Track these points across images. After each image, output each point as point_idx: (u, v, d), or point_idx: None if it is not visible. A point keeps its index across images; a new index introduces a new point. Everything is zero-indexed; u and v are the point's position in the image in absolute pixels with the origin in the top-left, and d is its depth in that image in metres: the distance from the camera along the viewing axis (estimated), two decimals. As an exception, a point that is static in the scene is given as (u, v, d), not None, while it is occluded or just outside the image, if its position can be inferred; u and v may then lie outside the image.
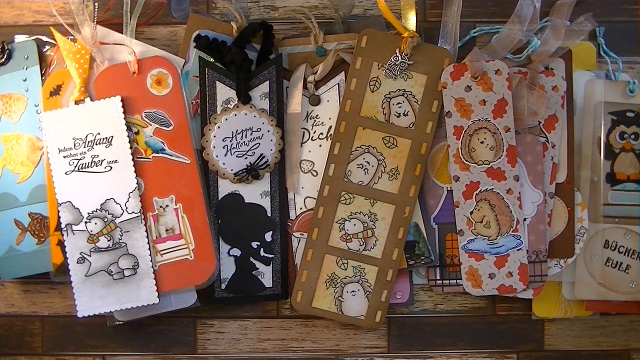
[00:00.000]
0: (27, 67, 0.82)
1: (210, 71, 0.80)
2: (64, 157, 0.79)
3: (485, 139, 0.80)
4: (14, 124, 0.82)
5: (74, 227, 0.79)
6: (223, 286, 0.81)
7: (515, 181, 0.80)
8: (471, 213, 0.81)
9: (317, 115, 0.82)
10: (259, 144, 0.80)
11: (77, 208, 0.79)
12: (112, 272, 0.79)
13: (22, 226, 0.81)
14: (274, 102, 0.81)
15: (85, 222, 0.79)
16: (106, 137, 0.79)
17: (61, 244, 0.79)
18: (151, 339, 0.84)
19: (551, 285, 0.83)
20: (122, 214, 0.79)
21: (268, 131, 0.80)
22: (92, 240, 0.79)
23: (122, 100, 0.79)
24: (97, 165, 0.79)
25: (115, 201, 0.79)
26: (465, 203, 0.81)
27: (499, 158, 0.80)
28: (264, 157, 0.80)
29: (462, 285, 0.82)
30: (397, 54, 0.80)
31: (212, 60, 0.80)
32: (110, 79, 0.80)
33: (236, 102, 0.80)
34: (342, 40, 0.81)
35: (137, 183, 0.79)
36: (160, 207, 0.80)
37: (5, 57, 0.82)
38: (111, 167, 0.79)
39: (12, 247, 0.81)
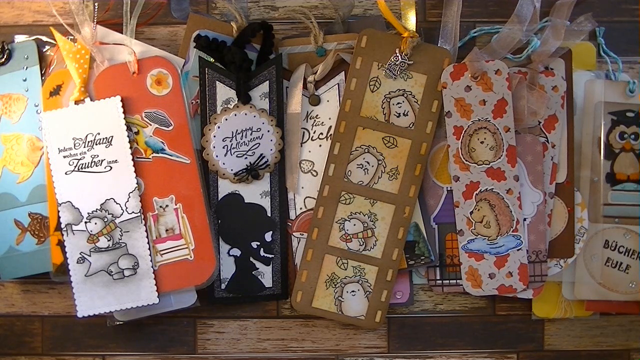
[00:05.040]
0: (27, 67, 0.82)
1: (210, 71, 0.80)
2: (64, 157, 0.79)
3: (485, 139, 0.80)
4: (14, 124, 0.82)
5: (74, 227, 0.79)
6: (223, 286, 0.81)
7: (515, 181, 0.80)
8: (471, 213, 0.81)
9: (317, 115, 0.82)
10: (259, 144, 0.80)
11: (77, 208, 0.79)
12: (112, 272, 0.79)
13: (22, 226, 0.81)
14: (274, 102, 0.81)
15: (85, 222, 0.79)
16: (106, 137, 0.79)
17: (61, 244, 0.79)
18: (151, 339, 0.84)
19: (551, 285, 0.83)
20: (122, 214, 0.79)
21: (268, 131, 0.80)
22: (92, 240, 0.79)
23: (122, 100, 0.79)
24: (97, 165, 0.79)
25: (115, 201, 0.79)
26: (465, 203, 0.81)
27: (499, 158, 0.80)
28: (264, 157, 0.80)
29: (462, 285, 0.82)
30: (397, 54, 0.80)
31: (212, 60, 0.80)
32: (110, 79, 0.80)
33: (236, 102, 0.80)
34: (342, 40, 0.81)
35: (137, 183, 0.79)
36: (160, 207, 0.80)
37: (5, 57, 0.82)
38: (111, 167, 0.79)
39: (12, 247, 0.81)
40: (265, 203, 0.81)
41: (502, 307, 0.84)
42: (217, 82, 0.80)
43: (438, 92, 0.81)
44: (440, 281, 0.82)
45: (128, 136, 0.79)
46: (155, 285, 0.79)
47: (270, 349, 0.84)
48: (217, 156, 0.80)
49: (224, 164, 0.80)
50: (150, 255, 0.79)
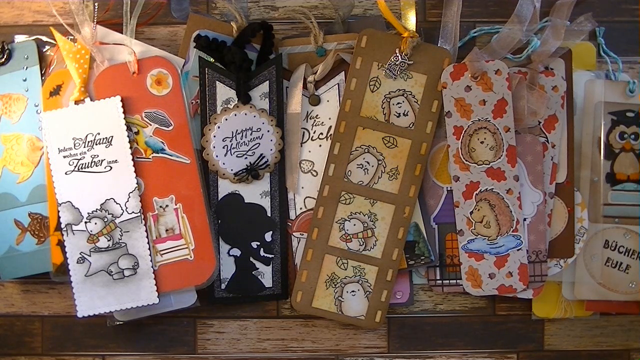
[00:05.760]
0: (27, 67, 0.82)
1: (210, 71, 0.80)
2: (64, 157, 0.79)
3: (485, 139, 0.80)
4: (14, 124, 0.82)
5: (74, 227, 0.79)
6: (223, 286, 0.81)
7: (515, 181, 0.80)
8: (471, 213, 0.81)
9: (317, 115, 0.82)
10: (259, 144, 0.80)
11: (77, 208, 0.79)
12: (112, 272, 0.79)
13: (22, 226, 0.81)
14: (274, 102, 0.81)
15: (85, 222, 0.79)
16: (106, 137, 0.79)
17: (61, 244, 0.79)
18: (151, 339, 0.84)
19: (551, 285, 0.83)
20: (122, 214, 0.79)
21: (268, 131, 0.80)
22: (92, 240, 0.79)
23: (122, 100, 0.79)
24: (97, 165, 0.79)
25: (115, 201, 0.79)
26: (465, 203, 0.81)
27: (499, 158, 0.80)
28: (263, 157, 0.80)
29: (462, 285, 0.82)
30: (397, 54, 0.80)
31: (212, 60, 0.80)
32: (110, 79, 0.80)
33: (236, 102, 0.80)
34: (342, 40, 0.81)
35: (137, 183, 0.79)
36: (160, 207, 0.80)
37: (5, 57, 0.82)
38: (111, 167, 0.79)
39: (12, 247, 0.81)
40: (265, 203, 0.81)
41: (502, 307, 0.84)
42: (217, 82, 0.80)
43: (438, 92, 0.81)
44: (440, 281, 0.82)
45: (128, 136, 0.79)
46: (155, 285, 0.79)
47: (270, 349, 0.84)
48: (217, 156, 0.80)
49: (224, 164, 0.80)
50: (150, 255, 0.79)
